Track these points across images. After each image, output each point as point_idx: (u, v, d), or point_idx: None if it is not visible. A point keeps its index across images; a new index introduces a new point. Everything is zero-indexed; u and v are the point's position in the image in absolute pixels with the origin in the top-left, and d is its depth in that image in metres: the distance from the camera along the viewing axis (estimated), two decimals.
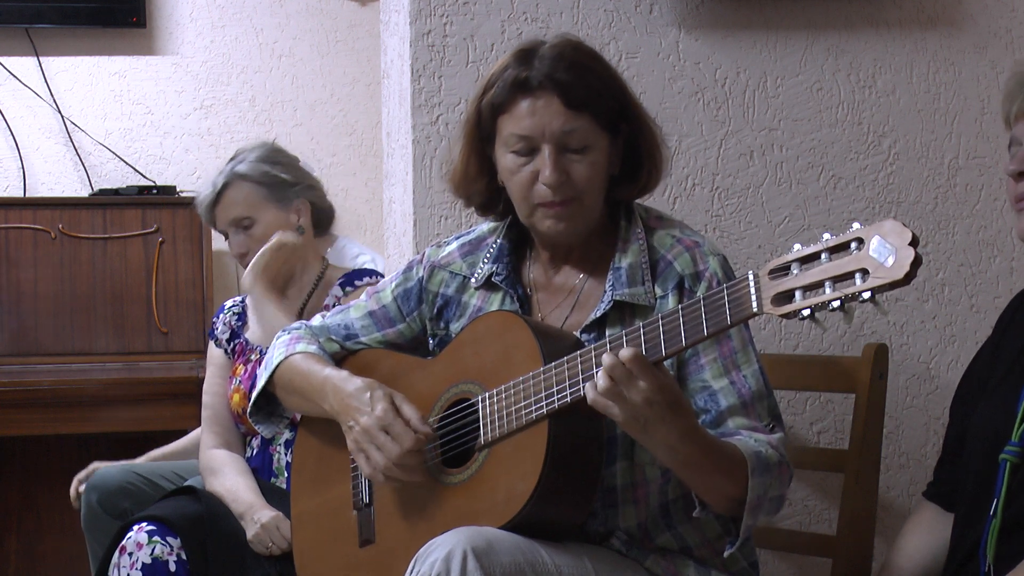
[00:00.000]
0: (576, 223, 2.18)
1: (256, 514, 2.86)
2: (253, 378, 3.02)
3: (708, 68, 2.88)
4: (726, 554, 2.08)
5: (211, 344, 3.18)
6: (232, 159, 3.15)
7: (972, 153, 2.95)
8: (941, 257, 2.94)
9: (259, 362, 3.04)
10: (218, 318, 3.18)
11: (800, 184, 2.91)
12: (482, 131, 2.21)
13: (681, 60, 2.86)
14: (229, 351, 3.13)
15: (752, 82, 2.89)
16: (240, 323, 3.14)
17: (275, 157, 3.16)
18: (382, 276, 3.07)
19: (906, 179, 2.93)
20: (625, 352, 1.92)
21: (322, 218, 3.21)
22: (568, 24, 2.80)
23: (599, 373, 1.93)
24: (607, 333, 2.14)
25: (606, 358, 1.92)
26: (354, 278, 3.09)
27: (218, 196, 3.11)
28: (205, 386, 3.16)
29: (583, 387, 1.98)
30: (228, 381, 3.10)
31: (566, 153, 2.14)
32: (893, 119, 2.93)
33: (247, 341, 3.10)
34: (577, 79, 2.13)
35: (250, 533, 2.86)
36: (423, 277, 2.34)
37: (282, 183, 3.12)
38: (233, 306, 3.18)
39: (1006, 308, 2.31)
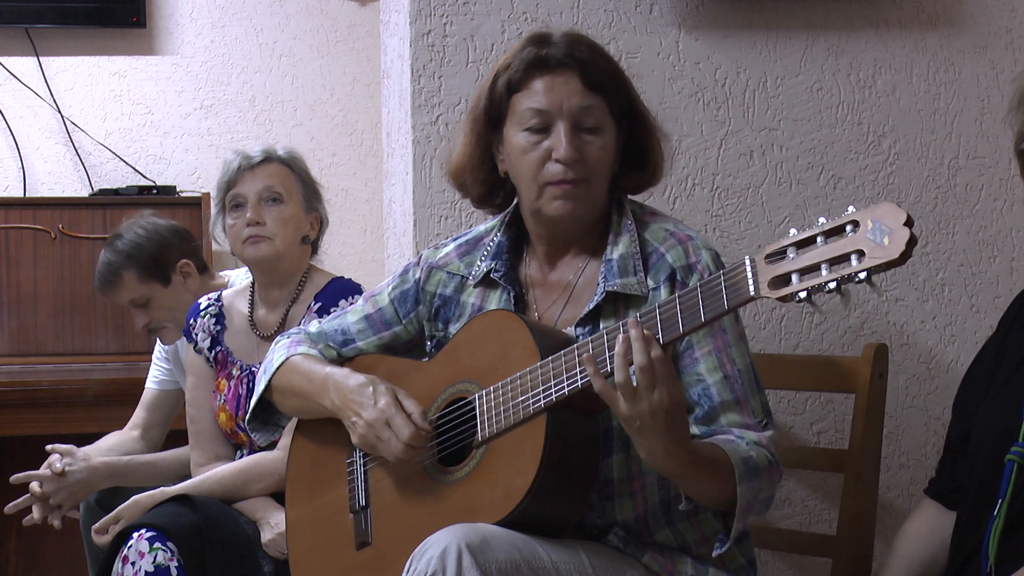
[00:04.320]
0: (582, 206, 2.19)
1: (272, 519, 2.86)
2: (238, 397, 3.01)
3: (708, 68, 2.88)
4: (714, 554, 2.07)
5: (189, 348, 3.12)
6: (262, 148, 3.08)
7: (972, 153, 2.95)
8: (941, 257, 2.94)
9: (241, 379, 3.02)
10: (195, 320, 3.11)
11: (800, 184, 2.91)
12: (491, 116, 2.23)
13: (681, 60, 2.87)
14: (211, 360, 3.10)
15: (752, 82, 2.89)
16: (219, 327, 3.10)
17: (308, 167, 3.15)
18: (360, 292, 3.00)
19: (906, 179, 2.94)
20: (658, 353, 1.91)
21: (317, 242, 3.16)
22: (568, 24, 2.79)
23: (616, 366, 1.93)
24: (602, 326, 2.14)
25: (639, 357, 1.91)
26: (331, 302, 2.99)
27: (257, 164, 3.02)
28: (188, 396, 3.13)
29: (580, 379, 1.99)
30: (213, 395, 3.08)
31: (580, 132, 2.16)
32: (893, 119, 2.93)
33: (228, 350, 3.07)
34: (595, 60, 2.19)
35: (265, 537, 2.86)
36: (420, 278, 2.35)
37: (314, 190, 3.11)
38: (209, 306, 3.12)
39: (1010, 306, 2.31)
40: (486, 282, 2.28)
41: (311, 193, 3.09)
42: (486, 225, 2.35)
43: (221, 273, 3.55)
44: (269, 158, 3.05)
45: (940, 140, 2.95)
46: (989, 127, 2.94)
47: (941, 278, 2.94)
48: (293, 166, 3.07)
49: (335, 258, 4.45)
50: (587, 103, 2.16)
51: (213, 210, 3.12)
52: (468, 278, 2.30)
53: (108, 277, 3.33)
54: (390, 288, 2.39)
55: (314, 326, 2.44)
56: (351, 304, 2.48)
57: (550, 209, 2.18)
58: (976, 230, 2.96)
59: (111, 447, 3.36)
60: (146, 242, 3.31)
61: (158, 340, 3.42)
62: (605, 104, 2.18)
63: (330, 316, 2.46)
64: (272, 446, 2.95)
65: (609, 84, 2.19)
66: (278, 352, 2.40)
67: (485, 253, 2.29)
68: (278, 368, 2.37)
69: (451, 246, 2.35)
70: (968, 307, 2.95)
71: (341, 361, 2.39)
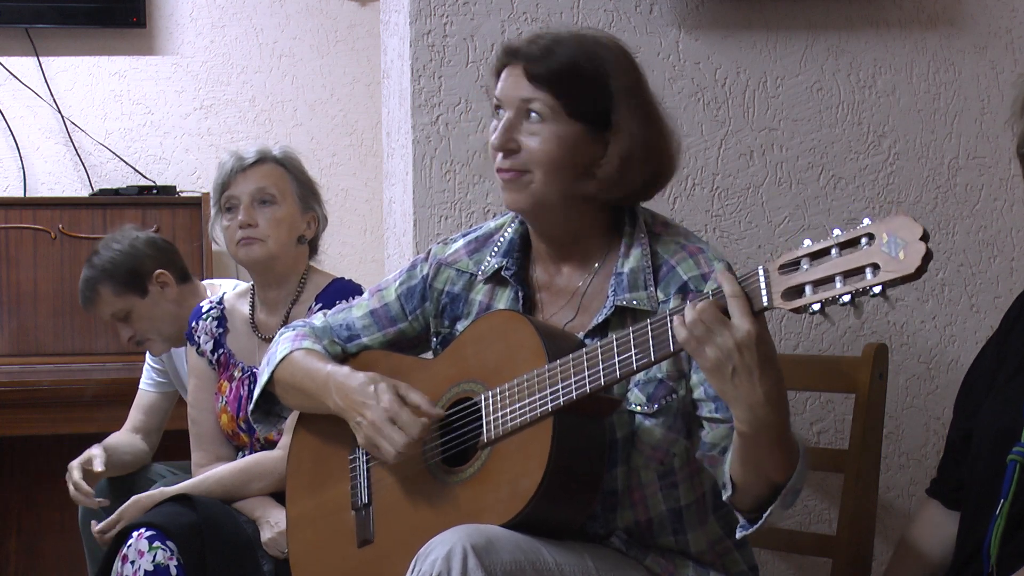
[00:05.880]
0: (526, 198, 2.15)
1: (272, 518, 2.86)
2: (239, 399, 3.01)
3: (708, 68, 2.88)
4: (739, 535, 2.04)
5: (192, 351, 3.12)
6: (256, 149, 3.08)
7: (972, 153, 2.95)
8: (941, 257, 2.93)
9: (242, 380, 3.03)
10: (196, 323, 3.12)
11: (800, 184, 2.91)
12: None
13: (681, 60, 2.87)
14: (213, 362, 3.10)
15: (752, 82, 2.89)
16: (221, 330, 3.10)
17: (304, 167, 3.15)
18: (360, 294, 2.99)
19: (906, 179, 2.94)
20: (732, 288, 1.86)
21: (316, 241, 3.17)
22: (568, 24, 2.79)
23: (688, 310, 1.88)
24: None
25: (729, 287, 1.86)
26: (331, 303, 2.90)
27: (249, 165, 3.02)
28: (190, 399, 3.14)
29: (589, 382, 1.98)
30: (215, 397, 3.08)
31: (524, 123, 2.14)
32: (893, 119, 2.93)
33: (231, 353, 3.07)
34: (544, 56, 2.14)
35: (265, 536, 2.86)
36: (428, 275, 2.33)
37: (311, 189, 3.10)
38: (211, 309, 3.12)
39: (1013, 304, 2.31)
40: (496, 279, 2.27)
41: (307, 193, 3.08)
42: (496, 221, 2.33)
43: (206, 282, 3.57)
44: (263, 159, 3.04)
45: (940, 140, 2.95)
46: (989, 127, 2.95)
47: (941, 278, 2.94)
48: (288, 166, 3.07)
49: (335, 258, 4.45)
50: (528, 95, 2.13)
51: (211, 211, 3.12)
52: (477, 275, 2.28)
53: (86, 293, 3.41)
54: (397, 284, 2.37)
55: (319, 319, 2.42)
56: (357, 299, 2.46)
57: (504, 200, 2.19)
58: (976, 230, 2.96)
59: (118, 444, 3.37)
60: (121, 256, 3.36)
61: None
62: (554, 99, 2.12)
63: (335, 309, 2.43)
64: (272, 444, 2.96)
65: (561, 81, 2.12)
66: (281, 345, 2.37)
67: (495, 249, 2.28)
68: (280, 362, 2.35)
69: (460, 243, 2.33)
70: (968, 307, 2.95)
71: (345, 357, 2.38)
